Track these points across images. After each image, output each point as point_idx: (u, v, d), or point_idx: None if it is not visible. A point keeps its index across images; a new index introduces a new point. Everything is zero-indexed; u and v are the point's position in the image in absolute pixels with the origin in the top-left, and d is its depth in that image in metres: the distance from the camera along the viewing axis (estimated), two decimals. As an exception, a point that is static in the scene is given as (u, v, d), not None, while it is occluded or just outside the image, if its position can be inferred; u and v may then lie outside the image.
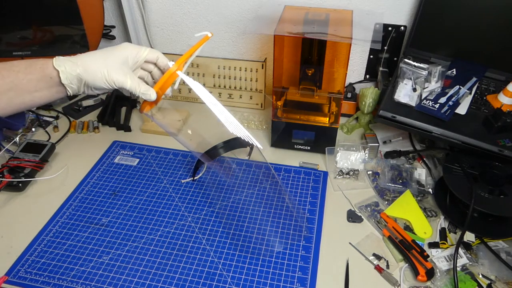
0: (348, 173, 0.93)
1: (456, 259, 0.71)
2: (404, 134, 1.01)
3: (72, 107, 1.17)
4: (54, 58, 0.62)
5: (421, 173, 0.93)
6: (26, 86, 0.60)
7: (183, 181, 0.93)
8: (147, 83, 0.68)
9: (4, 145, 1.02)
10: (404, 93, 0.90)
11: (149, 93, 0.65)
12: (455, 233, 0.81)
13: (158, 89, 0.67)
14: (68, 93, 0.63)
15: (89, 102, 1.18)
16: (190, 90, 1.18)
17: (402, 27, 1.06)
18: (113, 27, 1.26)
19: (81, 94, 0.67)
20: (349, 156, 0.95)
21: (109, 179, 0.94)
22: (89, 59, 0.62)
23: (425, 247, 0.78)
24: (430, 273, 0.71)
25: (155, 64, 0.71)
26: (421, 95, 0.90)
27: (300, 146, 1.00)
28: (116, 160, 0.99)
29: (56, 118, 1.14)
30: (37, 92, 0.61)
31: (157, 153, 1.02)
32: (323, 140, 0.97)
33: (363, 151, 0.95)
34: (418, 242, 0.77)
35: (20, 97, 0.60)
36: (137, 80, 0.65)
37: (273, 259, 0.76)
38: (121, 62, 0.64)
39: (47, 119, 1.13)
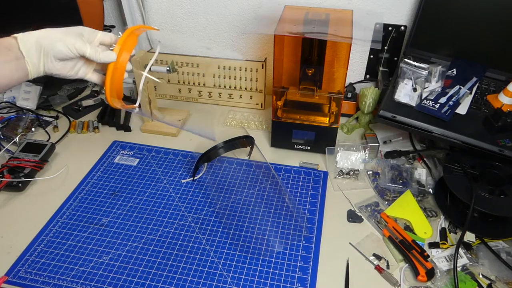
0: (348, 173, 0.93)
1: (456, 259, 0.71)
2: (404, 134, 1.01)
3: (72, 107, 1.17)
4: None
5: (421, 173, 0.93)
6: None
7: (183, 181, 0.93)
8: None
9: (4, 145, 1.02)
10: (404, 93, 0.90)
11: (110, 55, 0.64)
12: (455, 233, 0.81)
13: (117, 53, 0.65)
14: (28, 69, 0.60)
15: (89, 102, 1.18)
16: (190, 90, 1.19)
17: (402, 27, 1.06)
18: (113, 27, 1.26)
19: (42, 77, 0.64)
20: (349, 156, 0.95)
21: (109, 179, 0.94)
22: (47, 29, 0.62)
23: (425, 247, 0.78)
24: (430, 273, 0.71)
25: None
26: (421, 95, 0.90)
27: (300, 146, 1.00)
28: (116, 160, 0.99)
29: (56, 118, 1.14)
30: None
31: (157, 153, 1.01)
32: (323, 140, 0.97)
33: (363, 151, 0.95)
34: (418, 242, 0.77)
35: None
36: (96, 47, 0.65)
37: (273, 259, 0.76)
38: (78, 34, 0.64)
39: (47, 119, 1.13)
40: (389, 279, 0.72)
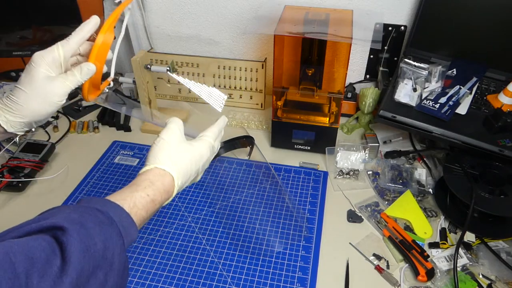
0: (348, 173, 0.93)
1: (457, 259, 0.71)
2: (404, 134, 1.01)
3: (72, 107, 1.17)
4: None
5: (421, 173, 0.93)
6: None
7: (183, 181, 0.93)
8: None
9: (4, 145, 1.02)
10: (404, 93, 0.90)
11: (88, 68, 0.59)
12: (455, 233, 0.81)
13: (94, 60, 0.59)
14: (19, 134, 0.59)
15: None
16: (190, 90, 1.19)
17: (402, 27, 1.06)
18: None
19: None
20: (349, 156, 0.95)
21: (109, 179, 0.94)
22: (23, 101, 0.56)
23: (425, 247, 0.78)
24: (430, 273, 0.71)
25: (80, 55, 0.64)
26: (421, 95, 0.90)
27: (300, 146, 1.00)
28: (116, 160, 0.99)
29: (56, 118, 1.14)
30: None
31: (157, 153, 1.01)
32: (323, 140, 0.97)
33: (363, 151, 0.95)
34: (418, 242, 0.77)
35: None
36: (69, 73, 0.58)
37: (273, 259, 0.76)
38: (44, 77, 0.57)
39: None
40: (389, 279, 0.72)
